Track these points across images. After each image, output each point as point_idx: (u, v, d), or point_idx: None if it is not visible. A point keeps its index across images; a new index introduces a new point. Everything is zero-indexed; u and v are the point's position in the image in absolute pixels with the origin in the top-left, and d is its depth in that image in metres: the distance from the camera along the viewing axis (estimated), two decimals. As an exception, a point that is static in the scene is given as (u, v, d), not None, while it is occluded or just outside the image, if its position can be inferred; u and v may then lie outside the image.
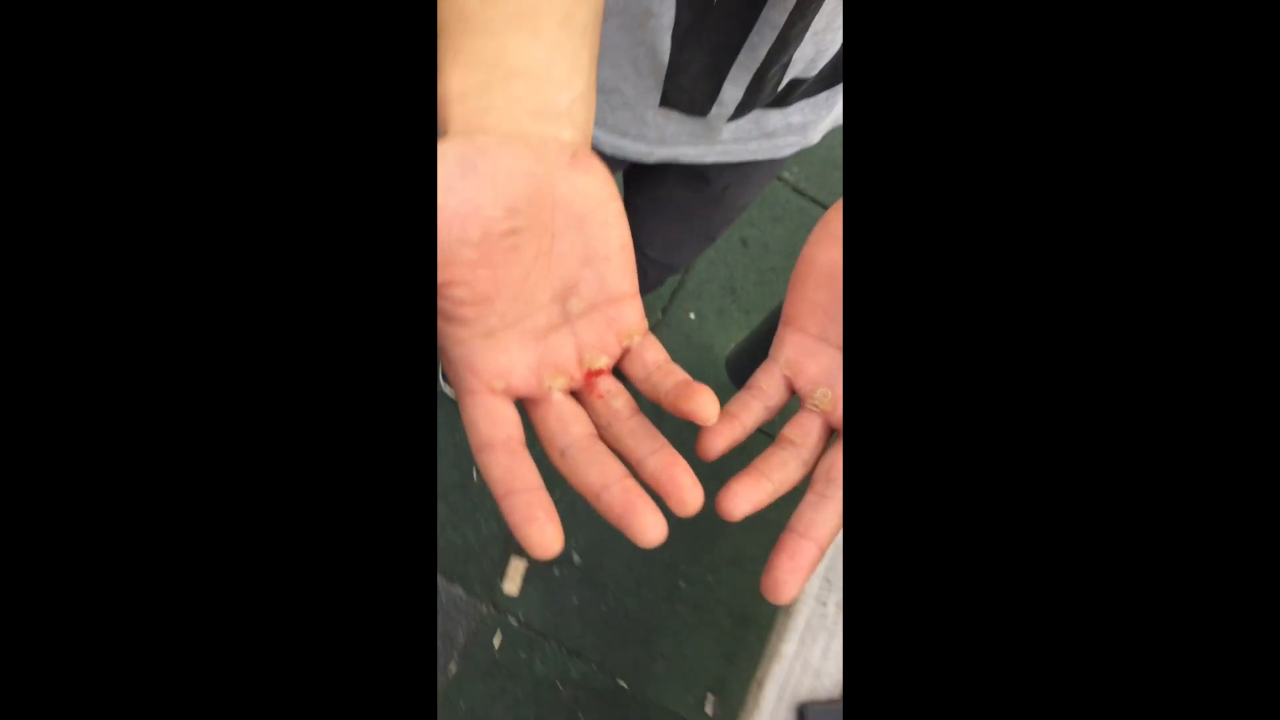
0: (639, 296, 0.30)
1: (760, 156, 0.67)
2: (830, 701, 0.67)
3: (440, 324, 0.27)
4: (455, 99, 0.26)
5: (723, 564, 1.36)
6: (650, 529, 0.25)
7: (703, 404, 0.26)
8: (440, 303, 0.26)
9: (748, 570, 1.36)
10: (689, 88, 0.55)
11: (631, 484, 0.26)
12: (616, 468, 0.26)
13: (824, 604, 0.72)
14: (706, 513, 0.26)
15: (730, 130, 0.61)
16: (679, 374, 0.29)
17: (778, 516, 0.28)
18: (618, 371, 0.30)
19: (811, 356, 0.30)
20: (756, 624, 1.34)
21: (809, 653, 0.70)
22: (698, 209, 0.76)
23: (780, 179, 1.58)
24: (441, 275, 0.25)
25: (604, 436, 0.28)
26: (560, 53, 0.27)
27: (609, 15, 0.49)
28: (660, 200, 0.75)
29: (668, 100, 0.56)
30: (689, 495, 0.25)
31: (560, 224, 0.27)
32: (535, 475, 0.26)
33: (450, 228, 0.24)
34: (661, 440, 0.27)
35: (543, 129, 0.27)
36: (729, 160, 0.66)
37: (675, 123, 0.59)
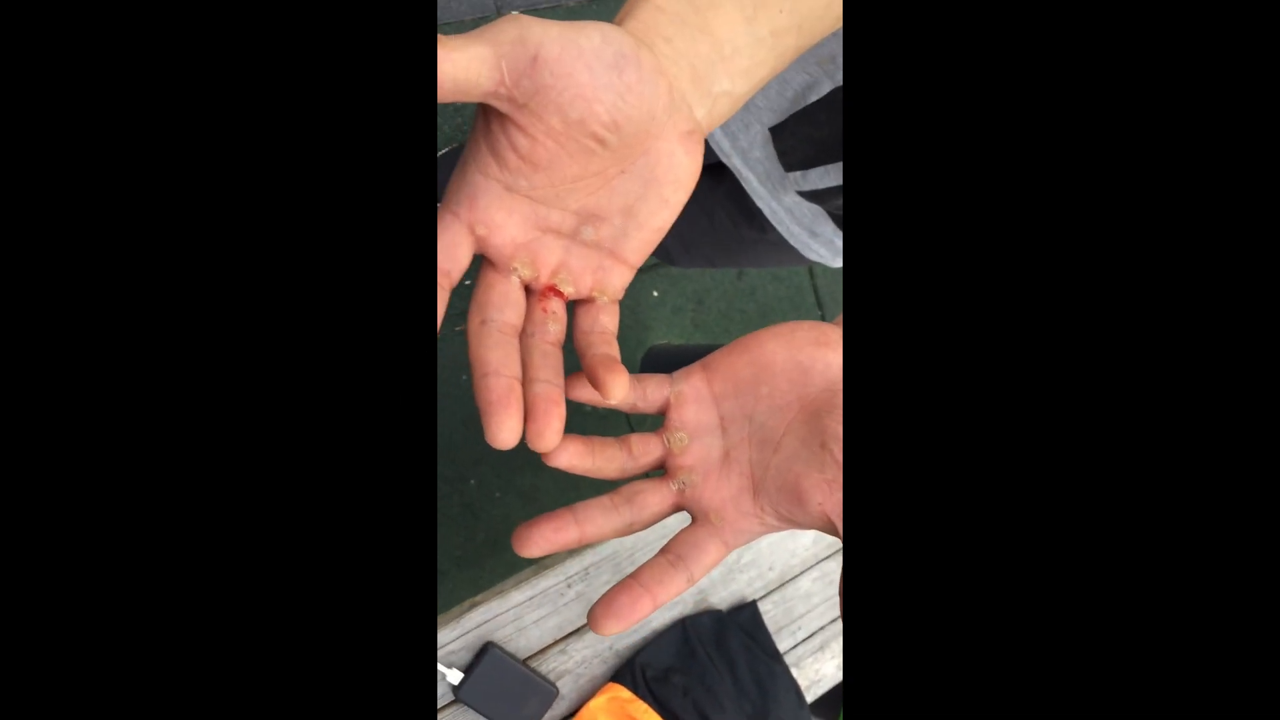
0: (635, 271, 0.31)
1: (792, 243, 0.71)
2: (512, 655, 0.73)
3: (484, 144, 0.27)
4: (656, 2, 0.27)
5: (515, 493, 1.42)
6: (506, 431, 0.26)
7: (614, 382, 0.28)
8: (500, 130, 0.26)
9: (530, 511, 1.43)
10: (793, 141, 0.57)
11: (518, 386, 0.27)
12: (516, 366, 0.27)
13: (570, 586, 0.78)
14: (531, 452, 0.29)
15: (792, 200, 0.65)
16: (614, 349, 0.29)
17: (590, 486, 0.30)
18: (570, 309, 0.31)
19: (697, 404, 0.31)
20: (503, 559, 1.40)
21: (528, 613, 0.75)
22: (726, 237, 0.79)
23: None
24: (520, 115, 0.25)
25: (521, 339, 0.29)
26: (753, 53, 0.29)
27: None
28: (704, 205, 0.78)
29: (778, 134, 0.58)
30: (551, 434, 0.26)
31: (635, 169, 0.28)
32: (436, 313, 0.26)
33: (562, 91, 0.25)
34: (561, 379, 0.28)
35: (688, 93, 0.28)
36: (772, 220, 0.70)
37: (764, 153, 0.61)
